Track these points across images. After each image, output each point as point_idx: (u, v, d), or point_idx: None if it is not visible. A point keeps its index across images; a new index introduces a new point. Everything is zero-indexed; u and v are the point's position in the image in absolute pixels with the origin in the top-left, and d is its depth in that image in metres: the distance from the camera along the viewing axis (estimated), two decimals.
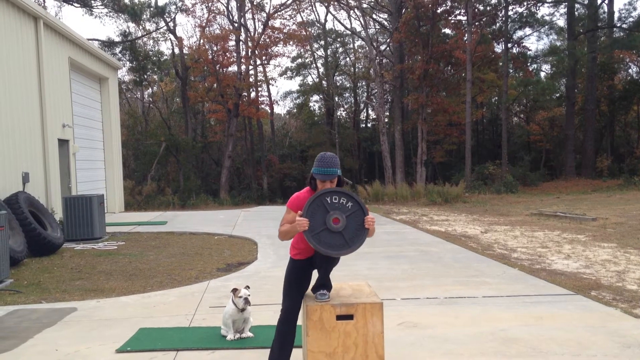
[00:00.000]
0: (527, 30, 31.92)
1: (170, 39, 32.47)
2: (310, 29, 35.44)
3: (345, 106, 39.72)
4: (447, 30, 30.67)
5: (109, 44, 30.52)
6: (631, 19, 30.12)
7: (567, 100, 30.17)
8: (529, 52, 31.53)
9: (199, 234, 12.18)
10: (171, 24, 30.98)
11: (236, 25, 29.19)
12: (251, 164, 31.06)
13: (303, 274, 3.90)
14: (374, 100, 34.81)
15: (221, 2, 33.39)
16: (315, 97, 40.15)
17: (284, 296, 3.89)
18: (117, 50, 30.80)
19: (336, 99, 36.06)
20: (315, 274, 3.91)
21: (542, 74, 35.57)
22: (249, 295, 4.67)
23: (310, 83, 39.21)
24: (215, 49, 28.93)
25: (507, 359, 4.24)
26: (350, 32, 36.03)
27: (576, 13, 30.34)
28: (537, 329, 4.92)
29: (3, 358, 4.49)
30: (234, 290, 4.69)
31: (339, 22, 42.51)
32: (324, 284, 3.84)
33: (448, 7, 28.46)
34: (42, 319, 5.55)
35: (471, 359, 4.26)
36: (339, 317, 3.65)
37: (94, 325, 5.31)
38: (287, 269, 3.95)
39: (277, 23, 30.12)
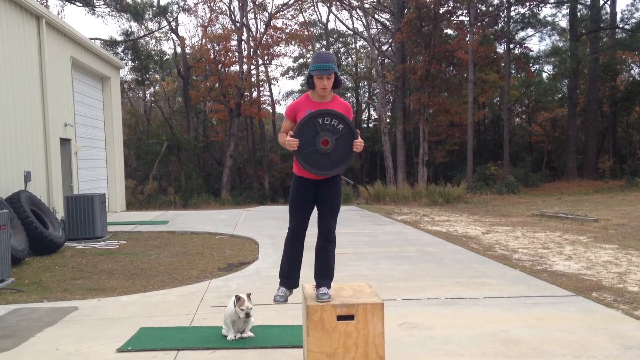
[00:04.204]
0: (530, 31, 31.87)
1: (172, 38, 32.54)
2: (312, 29, 35.46)
3: None
4: (449, 31, 30.65)
5: (111, 44, 30.55)
6: (634, 20, 30.08)
7: (569, 101, 30.12)
8: (531, 53, 31.49)
9: (201, 234, 12.18)
10: (173, 24, 31.08)
11: (238, 24, 29.20)
12: (253, 164, 31.06)
13: (306, 191, 3.96)
14: (376, 100, 34.78)
15: (223, 2, 33.51)
16: None
17: (289, 215, 4.00)
18: (120, 49, 30.85)
19: None
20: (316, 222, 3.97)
21: (544, 75, 35.54)
22: (251, 308, 4.65)
23: None
24: (217, 48, 28.94)
25: None
26: (352, 32, 36.08)
27: (578, 14, 30.29)
28: (538, 330, 4.91)
29: (4, 357, 4.49)
30: (237, 299, 4.66)
31: (341, 22, 42.63)
32: (327, 274, 3.85)
33: (450, 8, 28.43)
34: (43, 318, 5.55)
35: None
36: (340, 318, 3.65)
37: (95, 325, 5.32)
38: (292, 186, 4.03)
39: (279, 23, 30.16)
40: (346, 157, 3.81)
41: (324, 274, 3.92)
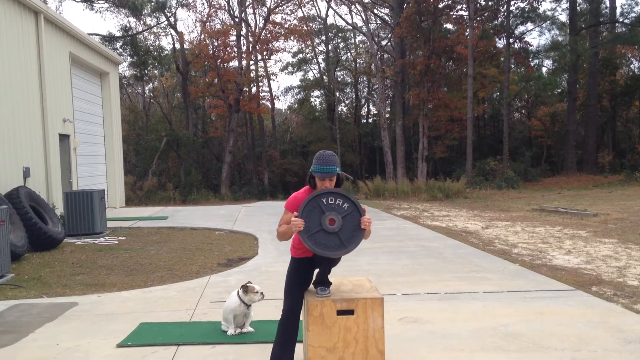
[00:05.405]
0: (529, 26, 31.73)
1: (171, 34, 32.46)
2: (311, 24, 35.36)
3: (347, 101, 39.69)
4: (449, 26, 30.57)
5: (109, 39, 30.50)
6: (633, 14, 30.02)
7: (568, 95, 30.10)
8: (530, 48, 31.40)
9: (200, 229, 12.18)
10: (172, 19, 30.98)
11: (237, 20, 29.13)
12: (252, 159, 31.04)
13: (304, 273, 3.88)
14: (375, 95, 34.75)
15: None
16: (316, 93, 40.12)
17: (285, 295, 3.87)
18: (118, 45, 30.79)
19: (337, 94, 35.99)
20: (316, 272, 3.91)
21: (544, 70, 35.48)
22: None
23: (311, 78, 39.15)
24: (216, 44, 28.86)
25: (508, 354, 4.24)
26: (351, 27, 35.97)
27: (578, 8, 30.23)
28: (538, 325, 4.92)
29: (4, 352, 4.49)
30: (245, 288, 4.65)
31: (340, 17, 42.35)
32: (324, 280, 3.83)
33: (450, 2, 28.35)
34: (43, 314, 5.56)
35: (472, 354, 4.26)
36: (340, 312, 3.66)
37: (94, 320, 5.32)
38: (289, 268, 3.92)
39: (278, 18, 30.07)
40: (354, 235, 3.72)
41: (324, 282, 3.88)
